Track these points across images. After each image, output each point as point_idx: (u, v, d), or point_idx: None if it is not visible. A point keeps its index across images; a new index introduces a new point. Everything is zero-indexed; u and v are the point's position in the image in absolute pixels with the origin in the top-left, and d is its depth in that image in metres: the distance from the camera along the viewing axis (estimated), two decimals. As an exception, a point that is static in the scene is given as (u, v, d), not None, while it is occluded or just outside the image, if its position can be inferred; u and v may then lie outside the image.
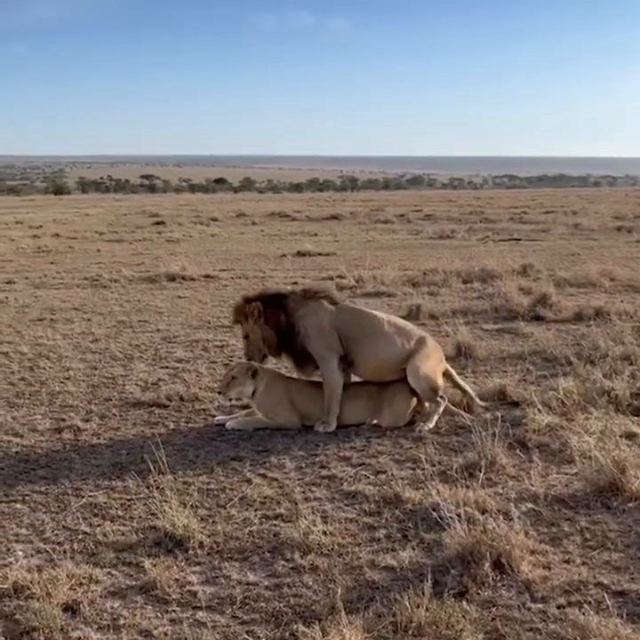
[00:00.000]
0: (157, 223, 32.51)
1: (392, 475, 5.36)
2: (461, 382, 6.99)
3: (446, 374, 6.83)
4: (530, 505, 4.79)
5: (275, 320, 6.69)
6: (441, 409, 6.52)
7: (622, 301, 11.45)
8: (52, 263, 18.95)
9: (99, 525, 4.74)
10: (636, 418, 6.42)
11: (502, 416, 6.30)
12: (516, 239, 23.76)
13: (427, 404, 6.59)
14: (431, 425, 6.40)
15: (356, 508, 4.92)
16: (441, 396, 6.57)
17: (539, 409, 6.35)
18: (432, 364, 6.59)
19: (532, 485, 5.11)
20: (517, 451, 5.64)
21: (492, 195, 72.79)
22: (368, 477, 5.38)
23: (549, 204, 47.02)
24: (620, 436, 5.78)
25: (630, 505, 4.82)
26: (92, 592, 3.96)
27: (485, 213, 37.89)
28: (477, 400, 6.88)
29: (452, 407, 6.69)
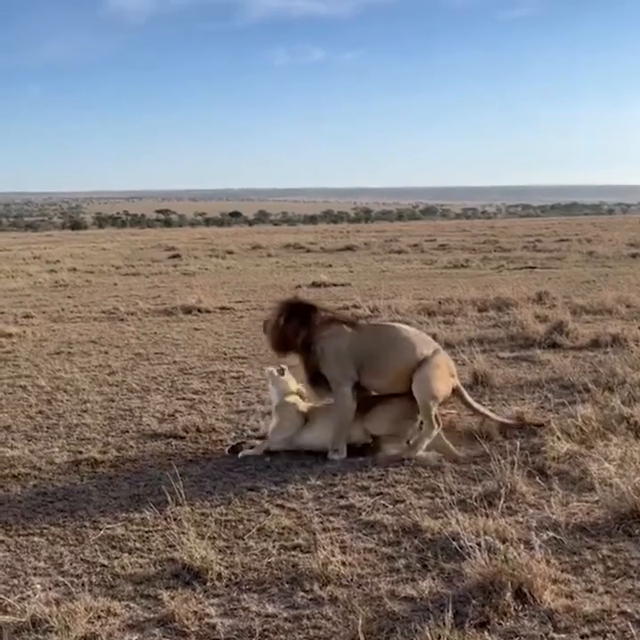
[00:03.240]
0: (173, 257, 32.70)
1: (411, 504, 5.31)
2: (475, 404, 6.95)
3: (457, 393, 6.80)
4: (551, 533, 4.72)
5: (293, 328, 6.73)
6: (432, 434, 6.44)
7: (639, 327, 11.37)
8: (69, 297, 19.07)
9: (116, 558, 4.73)
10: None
11: (521, 444, 6.26)
12: (530, 267, 23.73)
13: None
14: (417, 453, 6.33)
15: (374, 538, 4.88)
16: (437, 421, 6.52)
17: (558, 436, 6.30)
18: (440, 373, 6.56)
19: (553, 514, 5.05)
20: (537, 479, 5.58)
21: (506, 224, 72.87)
22: (386, 507, 5.34)
23: (563, 232, 47.03)
24: (641, 463, 5.74)
25: (652, 532, 4.77)
26: (110, 625, 3.94)
27: (499, 242, 37.93)
28: (500, 418, 6.85)
29: (446, 441, 6.60)
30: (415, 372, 6.50)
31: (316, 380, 6.69)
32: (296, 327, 6.68)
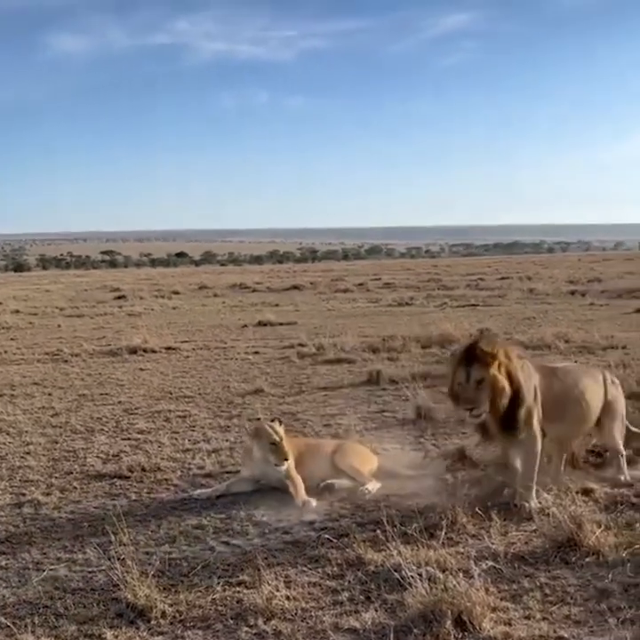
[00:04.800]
0: (118, 297, 32.55)
1: (354, 537, 5.36)
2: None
3: None
4: (490, 562, 4.81)
5: (510, 374, 6.04)
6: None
7: (576, 362, 11.67)
8: (12, 339, 18.82)
9: (60, 598, 4.69)
10: (591, 474, 6.54)
11: (462, 476, 6.38)
12: (473, 305, 24.18)
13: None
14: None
15: (319, 572, 4.93)
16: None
17: (496, 468, 6.45)
18: None
19: (493, 543, 5.16)
20: (477, 510, 5.69)
21: (449, 262, 74.04)
22: (331, 541, 5.38)
23: (505, 271, 48.01)
24: (577, 493, 5.92)
25: (588, 559, 4.89)
26: (54, 665, 3.91)
27: (443, 280, 38.56)
28: None
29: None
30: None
31: (510, 423, 6.08)
32: (511, 368, 6.10)
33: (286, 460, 6.43)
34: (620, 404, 6.78)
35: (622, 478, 6.42)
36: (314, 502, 6.19)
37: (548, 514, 5.35)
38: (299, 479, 6.47)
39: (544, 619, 4.23)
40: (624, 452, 6.62)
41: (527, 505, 5.77)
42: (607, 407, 6.61)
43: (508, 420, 6.00)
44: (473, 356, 5.88)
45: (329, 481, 6.53)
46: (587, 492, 6.06)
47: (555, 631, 4.09)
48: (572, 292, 27.91)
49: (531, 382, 6.11)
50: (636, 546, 4.94)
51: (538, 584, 4.64)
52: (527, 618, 4.24)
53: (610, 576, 4.64)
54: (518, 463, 6.16)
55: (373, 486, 6.46)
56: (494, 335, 6.37)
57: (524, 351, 6.98)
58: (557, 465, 6.52)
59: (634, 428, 7.10)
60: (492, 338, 6.20)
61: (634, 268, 47.13)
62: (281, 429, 6.58)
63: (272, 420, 6.76)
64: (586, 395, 6.44)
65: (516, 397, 5.97)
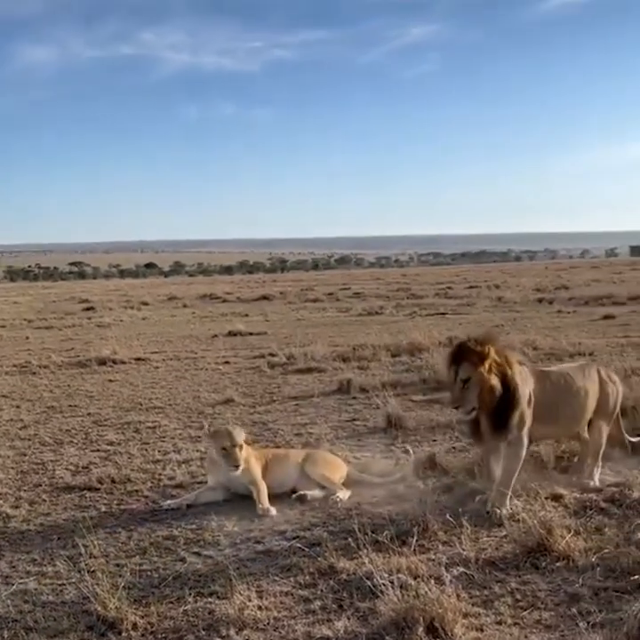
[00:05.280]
0: (87, 309, 32.33)
1: (326, 546, 5.36)
2: None
3: None
4: (461, 569, 4.84)
5: (501, 373, 6.05)
6: None
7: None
8: (-22, 352, 18.59)
9: (30, 612, 4.64)
10: (560, 479, 6.59)
11: (433, 483, 6.41)
12: (442, 313, 24.33)
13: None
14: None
15: (291, 581, 4.92)
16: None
17: (467, 475, 6.48)
18: None
19: (464, 549, 5.18)
20: (448, 516, 5.71)
21: (418, 272, 74.44)
22: (303, 550, 5.38)
23: (473, 279, 48.35)
24: (546, 498, 5.96)
25: (558, 564, 4.93)
26: (23, 680, 3.87)
27: (412, 290, 38.76)
28: None
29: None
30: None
31: (501, 425, 6.09)
32: (502, 368, 6.11)
33: (237, 466, 6.42)
34: (614, 402, 6.85)
35: (591, 483, 6.48)
36: (273, 511, 6.22)
37: (519, 519, 5.37)
38: (263, 486, 6.49)
39: (515, 624, 4.26)
40: (600, 455, 6.70)
41: (498, 511, 5.77)
42: (599, 405, 6.70)
43: (501, 422, 6.02)
44: (460, 356, 5.96)
45: (301, 492, 6.52)
46: (556, 497, 6.11)
47: (526, 636, 4.12)
48: (540, 300, 28.19)
49: (526, 388, 6.16)
50: (606, 550, 4.99)
51: (509, 589, 4.66)
52: (498, 623, 4.27)
53: (580, 580, 4.68)
54: (496, 471, 6.20)
55: (344, 495, 6.48)
56: (492, 336, 6.37)
57: (524, 357, 7.02)
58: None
59: (632, 439, 7.18)
60: (485, 337, 6.14)
61: (600, 276, 47.76)
62: (240, 435, 6.56)
63: (238, 427, 6.76)
64: (579, 396, 6.52)
65: (511, 400, 6.01)
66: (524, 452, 6.15)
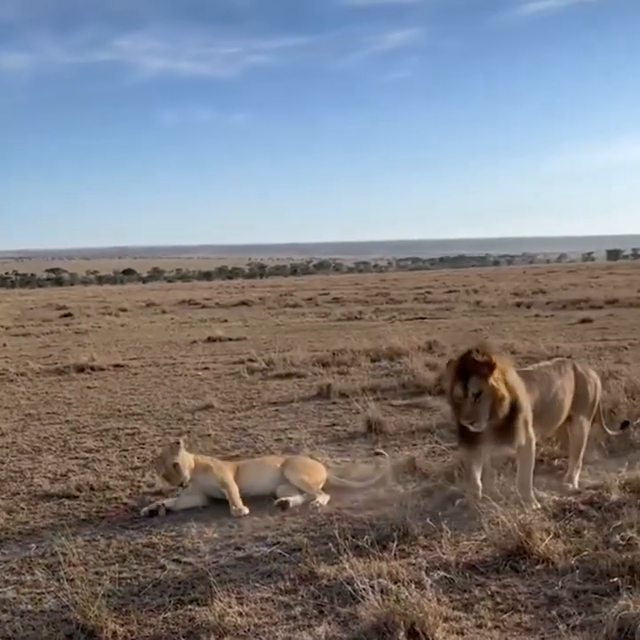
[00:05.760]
0: (65, 315, 32.14)
1: (307, 551, 5.36)
2: None
3: None
4: (442, 573, 4.84)
5: (507, 382, 5.99)
6: None
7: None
8: (-46, 359, 18.42)
9: (8, 621, 4.59)
10: (539, 482, 6.62)
11: (413, 488, 6.41)
12: (421, 318, 24.41)
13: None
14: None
15: (271, 587, 4.90)
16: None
17: (447, 479, 6.50)
18: None
19: (444, 553, 5.18)
20: (429, 520, 5.72)
21: (397, 277, 74.61)
22: (283, 556, 5.37)
23: (452, 284, 48.59)
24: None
25: (537, 567, 4.94)
26: (2, 690, 3.83)
27: (391, 294, 38.86)
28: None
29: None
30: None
31: (505, 432, 6.07)
32: (508, 379, 6.10)
33: (182, 484, 6.56)
34: (593, 397, 6.91)
35: (570, 486, 6.52)
36: (246, 510, 6.32)
37: (498, 522, 5.39)
38: (233, 487, 6.56)
39: (496, 627, 4.27)
40: (582, 451, 6.76)
41: (529, 506, 5.77)
42: (578, 400, 6.76)
43: (508, 429, 6.00)
44: (468, 370, 5.80)
45: (283, 498, 6.51)
46: (535, 499, 6.13)
47: (506, 639, 4.13)
48: (518, 304, 28.36)
49: (523, 389, 6.19)
50: (585, 553, 5.00)
51: (489, 592, 4.67)
52: (479, 626, 4.27)
53: (559, 583, 4.69)
54: (477, 475, 6.22)
55: (323, 499, 6.48)
56: (489, 344, 6.35)
57: (513, 359, 7.06)
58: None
59: (611, 431, 7.27)
60: (485, 347, 6.05)
61: (577, 280, 48.12)
62: (172, 456, 6.61)
63: (175, 443, 6.78)
64: (559, 395, 6.58)
65: (515, 406, 6.01)
66: (533, 453, 6.25)
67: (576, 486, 6.51)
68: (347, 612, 4.46)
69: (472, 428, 5.86)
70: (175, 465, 6.57)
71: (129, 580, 5.13)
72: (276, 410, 10.63)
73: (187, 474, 6.59)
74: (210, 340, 20.01)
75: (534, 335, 17.77)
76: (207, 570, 5.19)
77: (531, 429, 6.20)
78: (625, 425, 7.45)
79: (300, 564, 5.17)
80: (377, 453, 7.50)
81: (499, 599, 4.59)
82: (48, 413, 11.05)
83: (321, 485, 6.69)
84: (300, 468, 6.79)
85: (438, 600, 4.39)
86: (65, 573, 5.14)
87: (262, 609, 4.60)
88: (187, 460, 6.68)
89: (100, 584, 4.99)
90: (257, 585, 4.94)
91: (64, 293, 63.20)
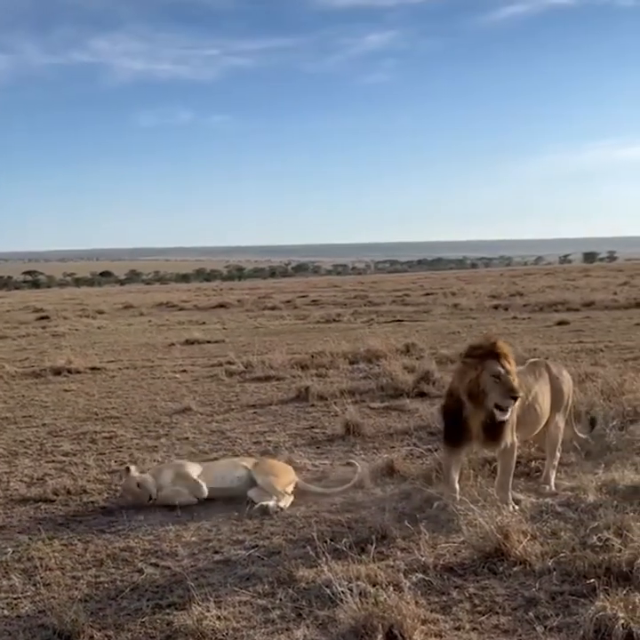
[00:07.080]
0: (42, 318, 31.89)
1: (285, 555, 5.35)
2: None
3: None
4: (420, 575, 4.85)
5: None
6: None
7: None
8: None
9: (-17, 627, 4.57)
10: (517, 484, 6.66)
11: (391, 490, 6.42)
12: (399, 320, 24.47)
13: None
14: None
15: (250, 591, 4.89)
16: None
17: (425, 481, 6.52)
18: None
19: (422, 556, 5.19)
20: (407, 523, 5.73)
21: (376, 279, 74.74)
22: (262, 559, 5.36)
23: (429, 287, 48.73)
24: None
25: (515, 569, 4.97)
26: (-23, 697, 3.80)
27: (369, 297, 38.90)
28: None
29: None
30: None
31: (497, 430, 6.16)
32: None
33: (150, 498, 6.67)
34: (567, 395, 7.00)
35: (547, 488, 6.56)
36: (204, 486, 6.71)
37: (476, 525, 5.41)
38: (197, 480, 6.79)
39: (474, 629, 4.29)
40: (558, 450, 6.82)
41: (505, 507, 5.76)
42: (554, 400, 6.83)
43: (495, 429, 6.09)
44: (502, 352, 6.05)
45: (263, 503, 6.48)
46: (514, 501, 6.16)
47: (484, 641, 4.14)
48: (496, 307, 28.49)
49: None
50: (562, 554, 5.03)
51: (467, 595, 4.69)
52: (457, 629, 4.29)
53: (537, 585, 4.72)
54: (456, 478, 6.28)
55: (284, 503, 6.52)
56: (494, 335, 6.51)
57: None
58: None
59: (581, 435, 7.33)
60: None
61: (554, 282, 48.41)
62: (132, 478, 6.78)
63: (125, 469, 6.97)
64: (538, 398, 6.65)
65: None
66: (515, 456, 6.33)
67: (553, 488, 6.56)
68: (325, 615, 4.46)
69: (512, 405, 5.97)
70: (139, 484, 6.71)
71: (106, 585, 5.10)
72: (255, 412, 10.61)
73: (153, 489, 6.71)
74: (188, 342, 19.95)
75: (511, 337, 17.83)
76: (185, 573, 5.18)
77: (514, 433, 6.28)
78: (592, 422, 7.59)
79: (278, 568, 5.17)
80: (348, 463, 7.45)
81: (477, 601, 4.61)
82: (24, 417, 10.97)
83: (290, 488, 6.70)
84: (268, 470, 6.81)
85: (416, 602, 4.40)
86: (41, 578, 5.11)
87: (241, 612, 4.59)
88: (143, 478, 6.82)
89: (77, 588, 4.97)
90: (235, 588, 4.93)
91: (41, 296, 62.77)
